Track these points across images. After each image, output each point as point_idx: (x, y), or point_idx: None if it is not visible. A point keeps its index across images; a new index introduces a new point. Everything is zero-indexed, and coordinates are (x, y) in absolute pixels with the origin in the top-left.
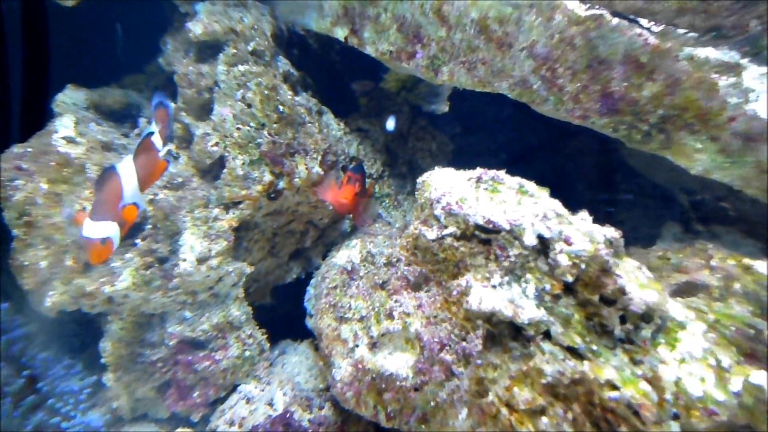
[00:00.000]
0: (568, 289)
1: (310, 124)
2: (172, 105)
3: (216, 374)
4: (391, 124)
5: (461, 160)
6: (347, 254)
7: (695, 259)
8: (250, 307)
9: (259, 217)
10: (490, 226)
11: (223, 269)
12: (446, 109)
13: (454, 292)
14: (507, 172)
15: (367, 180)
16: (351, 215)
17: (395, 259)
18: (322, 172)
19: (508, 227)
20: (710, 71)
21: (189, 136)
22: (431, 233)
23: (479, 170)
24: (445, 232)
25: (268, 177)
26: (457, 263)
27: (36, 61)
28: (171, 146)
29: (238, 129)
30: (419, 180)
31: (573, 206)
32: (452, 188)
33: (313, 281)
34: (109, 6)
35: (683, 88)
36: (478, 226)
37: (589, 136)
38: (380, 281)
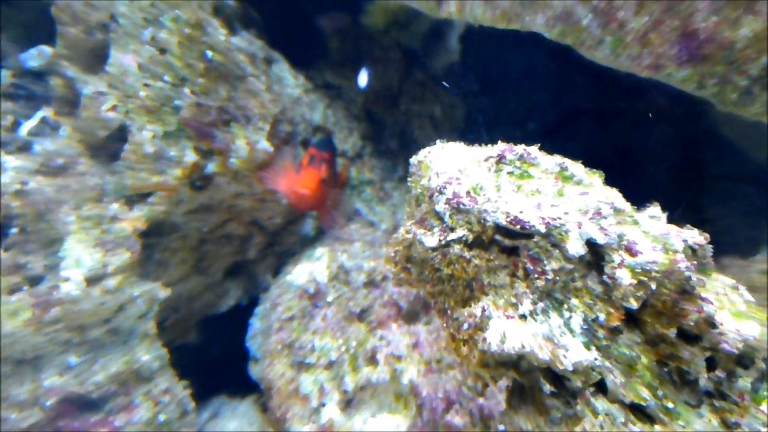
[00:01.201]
0: (632, 319)
1: (253, 78)
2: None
3: None
4: (363, 78)
5: (475, 131)
6: (310, 270)
7: None
8: (166, 348)
9: (179, 215)
10: (518, 227)
11: (126, 293)
12: (455, 57)
13: (465, 326)
14: (542, 148)
15: (338, 160)
16: (315, 212)
17: (380, 277)
18: (272, 149)
19: (543, 229)
20: None
21: (73, 95)
22: (431, 239)
23: (501, 145)
24: (452, 236)
25: (191, 156)
26: (469, 283)
27: None
28: (43, 113)
29: (147, 86)
30: (414, 160)
31: (639, 198)
32: (462, 172)
33: (259, 310)
34: None
35: None
36: (499, 228)
37: (662, 96)
38: (358, 309)
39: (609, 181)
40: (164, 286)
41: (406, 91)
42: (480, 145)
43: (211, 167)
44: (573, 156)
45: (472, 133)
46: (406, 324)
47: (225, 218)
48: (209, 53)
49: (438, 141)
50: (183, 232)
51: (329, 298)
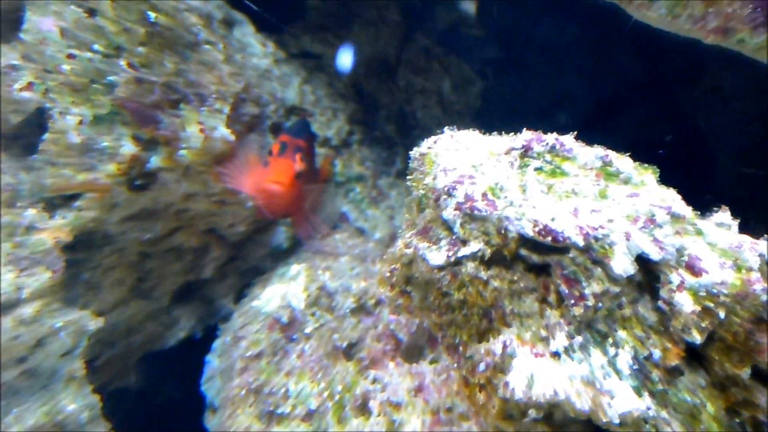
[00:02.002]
0: (695, 356)
1: (209, 46)
2: None
3: None
4: (347, 57)
5: (494, 116)
6: (282, 292)
7: None
8: (98, 394)
9: (114, 223)
10: (549, 239)
11: (46, 324)
12: (469, 16)
13: (482, 366)
14: (578, 138)
15: (318, 151)
16: (289, 217)
17: (372, 301)
18: (234, 137)
19: (582, 242)
20: None
21: None
22: (437, 254)
23: (527, 134)
24: (464, 251)
25: (129, 147)
26: (486, 311)
27: None
28: None
29: (72, 57)
30: (415, 152)
31: (704, 201)
32: (477, 168)
33: (217, 344)
34: None
35: None
36: (525, 241)
37: (735, 70)
38: (344, 343)
39: (665, 179)
40: (95, 314)
41: (407, 60)
42: (499, 133)
43: (155, 161)
44: (618, 146)
45: (490, 118)
46: (406, 362)
47: (173, 226)
48: (152, 14)
49: (446, 128)
50: (119, 245)
51: (308, 330)
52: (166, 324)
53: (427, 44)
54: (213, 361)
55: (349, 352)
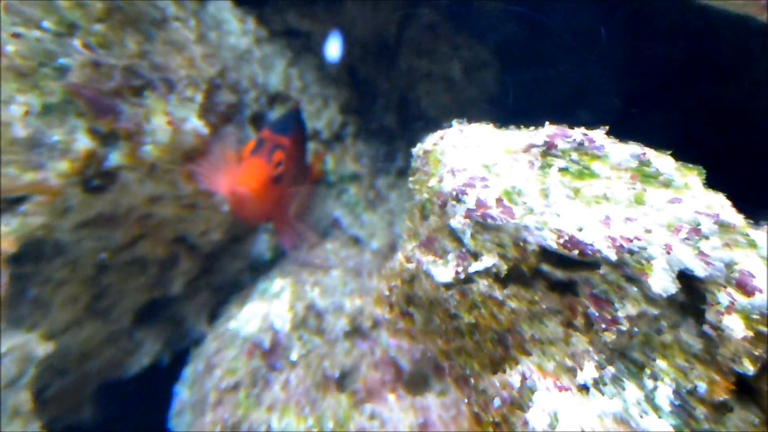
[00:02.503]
0: (747, 389)
1: (178, 24)
2: None
3: None
4: (335, 46)
5: (513, 106)
6: (264, 312)
7: None
8: (47, 430)
9: (67, 230)
10: (575, 252)
11: None
12: None
13: (497, 402)
14: (610, 134)
15: (308, 145)
16: (272, 224)
17: (369, 323)
18: (207, 130)
19: (614, 256)
20: None
21: None
22: (444, 270)
23: (550, 128)
24: (475, 267)
25: (84, 142)
26: (501, 336)
27: None
28: None
29: (17, 37)
30: (418, 150)
31: (759, 207)
32: (490, 169)
33: (188, 372)
34: None
35: None
36: (548, 254)
37: None
38: (336, 372)
39: (713, 182)
40: (44, 337)
41: (409, 40)
42: (516, 127)
43: (115, 158)
44: (655, 142)
45: (511, 104)
46: (409, 394)
47: (135, 234)
48: None
49: (455, 121)
50: (72, 256)
51: (293, 356)
52: (128, 348)
53: (434, 20)
54: (182, 393)
55: (342, 382)
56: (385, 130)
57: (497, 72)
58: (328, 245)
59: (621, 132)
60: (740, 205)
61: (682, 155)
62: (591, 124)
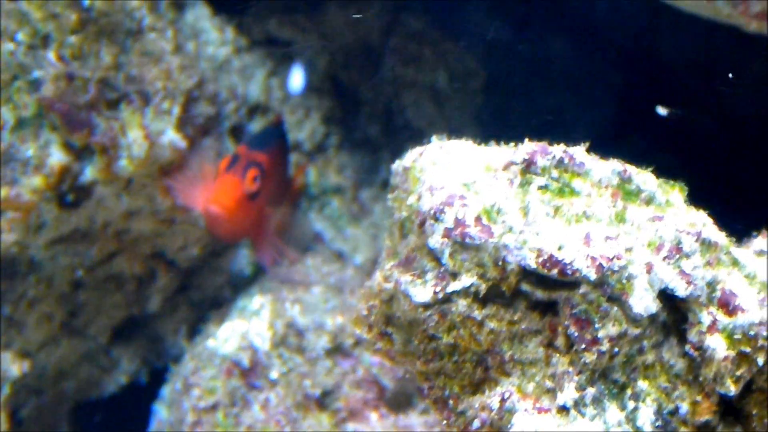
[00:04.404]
0: (731, 410)
1: (154, 35)
2: None
3: None
4: (297, 79)
5: (500, 115)
6: (243, 330)
7: None
8: None
9: (41, 247)
10: (555, 271)
11: None
12: None
13: (477, 423)
14: (591, 150)
15: (290, 158)
16: (250, 241)
17: (351, 340)
18: (185, 144)
19: (594, 275)
20: None
21: None
22: (422, 290)
23: (530, 145)
24: (454, 286)
25: (58, 156)
26: (481, 357)
27: None
28: None
29: None
30: (397, 166)
31: (740, 223)
32: (469, 187)
33: (166, 391)
34: None
35: None
36: (527, 274)
37: None
38: (317, 391)
39: (695, 198)
40: (18, 355)
41: (394, 48)
42: (497, 143)
43: (90, 173)
44: (637, 160)
45: (498, 113)
46: (391, 413)
47: (112, 250)
48: None
49: (435, 137)
50: (47, 273)
51: (273, 375)
52: (105, 367)
53: (419, 28)
54: (161, 412)
55: (324, 401)
56: (369, 140)
57: (484, 81)
58: (309, 261)
59: (604, 148)
60: (726, 222)
61: (668, 166)
62: (594, 126)
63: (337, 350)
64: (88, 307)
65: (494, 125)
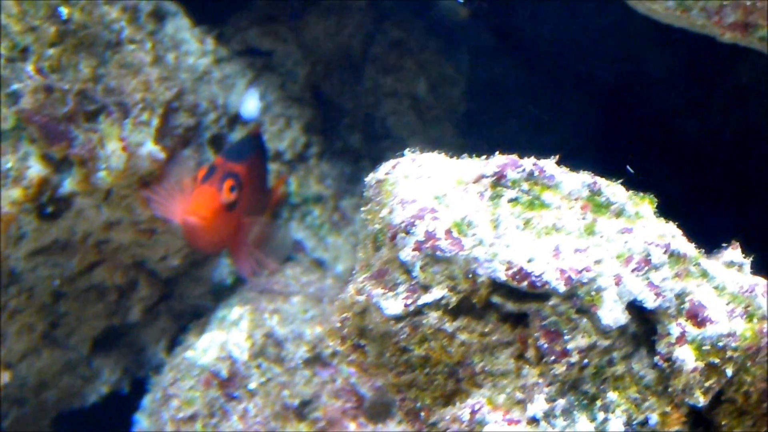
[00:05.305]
0: (700, 421)
1: (133, 46)
2: None
3: None
4: (252, 104)
5: (483, 121)
6: (222, 340)
7: None
8: None
9: (21, 258)
10: (524, 284)
11: None
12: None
13: None
14: (561, 162)
15: (268, 168)
16: (228, 251)
17: (329, 350)
18: (164, 155)
19: (563, 287)
20: None
21: None
22: (394, 303)
23: (500, 159)
24: (425, 299)
25: (37, 169)
26: (453, 369)
27: None
28: None
29: None
30: (371, 179)
31: (710, 236)
32: (440, 200)
33: (147, 401)
34: None
35: None
36: (498, 286)
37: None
38: (296, 401)
39: (667, 211)
40: (0, 367)
41: (375, 57)
42: (471, 156)
43: (69, 184)
44: (609, 172)
45: (474, 131)
46: (370, 423)
47: (92, 260)
48: (63, 10)
49: (407, 150)
50: (27, 284)
51: (252, 385)
52: (86, 377)
53: (400, 36)
54: (142, 422)
55: (302, 411)
56: (350, 149)
57: (464, 88)
58: (289, 270)
59: (579, 157)
60: (691, 232)
61: (639, 177)
62: (570, 137)
63: (315, 360)
64: (69, 317)
65: (474, 133)
